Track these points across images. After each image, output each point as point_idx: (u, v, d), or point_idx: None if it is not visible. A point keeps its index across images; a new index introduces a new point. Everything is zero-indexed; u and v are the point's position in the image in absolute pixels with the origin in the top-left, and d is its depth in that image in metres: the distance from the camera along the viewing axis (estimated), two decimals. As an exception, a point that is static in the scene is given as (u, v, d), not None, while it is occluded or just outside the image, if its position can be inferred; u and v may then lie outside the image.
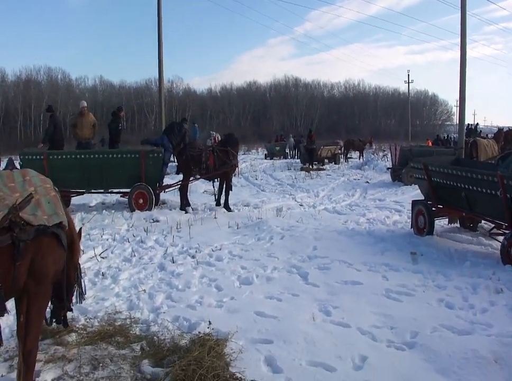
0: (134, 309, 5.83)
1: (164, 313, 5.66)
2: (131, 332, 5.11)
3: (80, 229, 5.04)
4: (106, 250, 8.76)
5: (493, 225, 8.96)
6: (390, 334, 5.13)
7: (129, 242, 9.44)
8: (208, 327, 5.05)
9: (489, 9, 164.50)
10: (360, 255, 8.36)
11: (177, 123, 14.20)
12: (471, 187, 8.76)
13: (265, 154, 42.70)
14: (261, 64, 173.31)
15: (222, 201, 13.70)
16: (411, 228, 10.45)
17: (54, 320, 4.56)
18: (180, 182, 13.80)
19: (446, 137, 44.35)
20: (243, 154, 45.19)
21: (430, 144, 37.46)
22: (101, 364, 4.40)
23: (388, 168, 23.00)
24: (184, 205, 13.41)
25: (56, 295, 4.44)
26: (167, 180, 15.48)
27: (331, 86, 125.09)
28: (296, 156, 40.17)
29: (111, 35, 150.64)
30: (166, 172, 14.04)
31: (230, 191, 13.69)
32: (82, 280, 4.83)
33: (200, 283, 6.89)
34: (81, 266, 4.93)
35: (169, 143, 13.74)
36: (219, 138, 24.45)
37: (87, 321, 5.35)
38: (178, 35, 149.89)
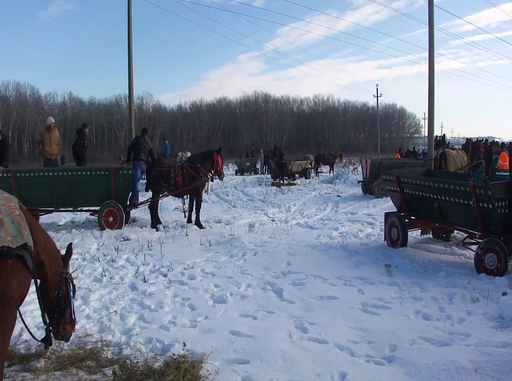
0: (105, 331, 5.65)
1: (136, 334, 5.50)
2: (102, 355, 4.92)
3: (70, 245, 4.91)
4: (76, 270, 8.54)
5: (466, 235, 9.03)
6: (369, 348, 5.07)
7: (99, 261, 9.24)
8: (182, 349, 4.91)
9: (455, 23, 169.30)
10: (335, 269, 8.32)
11: (140, 136, 13.93)
12: (443, 198, 8.84)
13: (236, 170, 42.73)
14: (231, 80, 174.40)
15: (193, 218, 13.57)
16: (384, 240, 10.49)
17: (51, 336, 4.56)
18: (150, 200, 13.66)
19: (413, 149, 44.92)
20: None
21: (398, 156, 37.94)
22: (71, 391, 4.23)
23: (359, 181, 23.17)
24: (155, 222, 13.25)
25: (50, 311, 4.49)
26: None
27: (301, 101, 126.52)
28: (267, 172, 40.29)
29: (81, 51, 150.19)
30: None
31: (200, 208, 13.60)
32: (71, 298, 4.78)
33: (173, 303, 6.75)
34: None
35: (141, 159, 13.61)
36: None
37: (56, 346, 5.14)
38: (147, 51, 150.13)
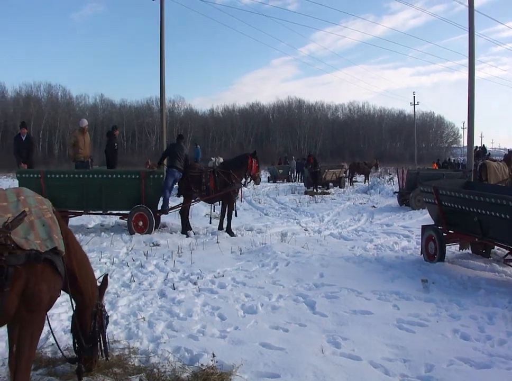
0: (133, 338, 5.65)
1: (164, 343, 5.48)
2: (129, 363, 4.91)
3: (106, 276, 4.87)
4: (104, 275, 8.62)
5: (507, 251, 8.79)
6: (404, 367, 4.96)
7: (128, 266, 9.30)
8: (211, 360, 4.88)
9: (496, 29, 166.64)
10: (369, 283, 8.21)
11: (176, 143, 13.99)
12: (483, 211, 8.61)
13: (268, 177, 42.79)
14: (264, 85, 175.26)
15: (224, 225, 13.61)
16: (421, 254, 10.30)
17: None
18: (181, 205, 13.73)
19: (451, 160, 44.27)
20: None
21: (436, 167, 37.42)
22: (97, 399, 4.22)
23: (395, 192, 22.89)
24: (186, 228, 13.31)
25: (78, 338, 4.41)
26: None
27: (335, 108, 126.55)
28: (300, 180, 40.18)
29: (113, 53, 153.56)
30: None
31: (232, 215, 13.62)
32: (105, 331, 4.65)
33: (202, 312, 6.73)
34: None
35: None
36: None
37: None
38: (180, 55, 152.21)
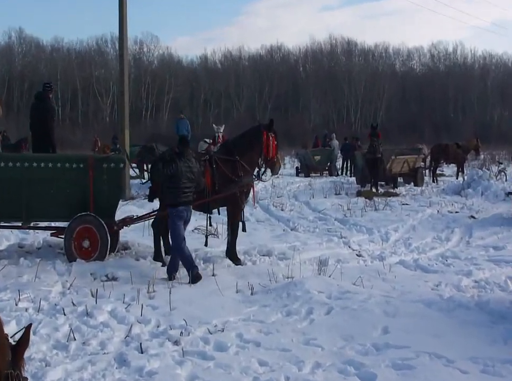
0: None
1: None
2: None
3: (27, 330, 4.85)
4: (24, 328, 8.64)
5: None
6: None
7: (65, 314, 9.35)
8: None
9: None
10: (466, 344, 8.20)
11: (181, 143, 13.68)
12: None
13: (297, 168, 42.78)
14: (289, 18, 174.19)
15: (224, 247, 13.70)
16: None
17: None
18: (154, 213, 13.78)
19: None
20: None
21: None
22: None
23: (509, 193, 22.76)
24: (161, 251, 13.39)
25: None
26: (131, 209, 15.49)
27: (408, 54, 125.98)
28: (349, 172, 40.30)
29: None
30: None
31: (243, 231, 13.76)
32: None
33: (189, 392, 6.77)
34: None
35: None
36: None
37: None
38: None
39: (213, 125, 31.50)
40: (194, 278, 11.83)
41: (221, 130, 28.77)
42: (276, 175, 15.43)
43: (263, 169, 13.98)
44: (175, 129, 31.08)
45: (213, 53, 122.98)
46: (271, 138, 13.74)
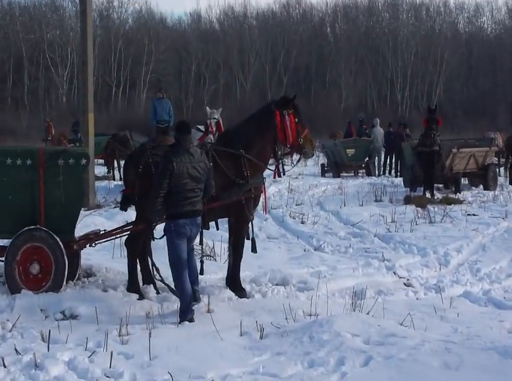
0: None
1: None
2: None
3: None
4: None
5: None
6: None
7: (5, 366, 9.27)
8: None
9: None
10: None
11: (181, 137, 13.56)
12: None
13: (323, 165, 42.88)
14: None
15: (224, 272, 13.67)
16: None
17: None
18: (129, 227, 13.78)
19: None
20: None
21: None
22: None
23: None
24: (136, 279, 13.37)
25: None
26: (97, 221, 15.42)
27: (476, 9, 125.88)
28: (393, 171, 40.45)
29: None
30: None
31: (252, 251, 13.76)
32: None
33: None
34: None
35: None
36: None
37: None
38: None
39: (207, 108, 31.22)
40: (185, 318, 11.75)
41: (217, 116, 28.56)
42: (307, 158, 14.87)
43: (290, 159, 13.92)
44: (151, 113, 31.17)
45: (209, 9, 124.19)
46: (287, 117, 13.52)
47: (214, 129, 26.10)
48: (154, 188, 11.65)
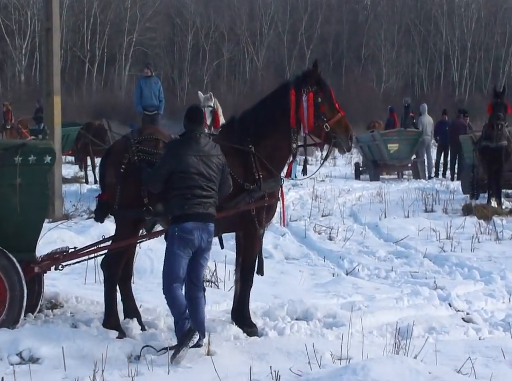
0: None
1: None
2: None
3: None
4: None
5: None
6: None
7: None
8: None
9: None
10: None
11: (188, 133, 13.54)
12: None
13: (357, 165, 42.77)
14: None
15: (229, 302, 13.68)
16: None
17: None
18: (106, 243, 13.75)
19: None
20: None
21: None
22: None
23: None
24: (116, 311, 13.32)
25: None
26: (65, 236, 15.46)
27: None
28: (449, 172, 40.24)
29: None
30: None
31: (258, 273, 13.76)
32: None
33: None
34: None
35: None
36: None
37: None
38: None
39: (199, 93, 30.89)
40: (178, 356, 11.53)
41: (212, 103, 28.43)
42: (346, 152, 14.13)
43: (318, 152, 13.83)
44: (136, 96, 31.19)
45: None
46: (304, 96, 13.10)
47: (209, 121, 25.75)
48: (147, 180, 11.98)
